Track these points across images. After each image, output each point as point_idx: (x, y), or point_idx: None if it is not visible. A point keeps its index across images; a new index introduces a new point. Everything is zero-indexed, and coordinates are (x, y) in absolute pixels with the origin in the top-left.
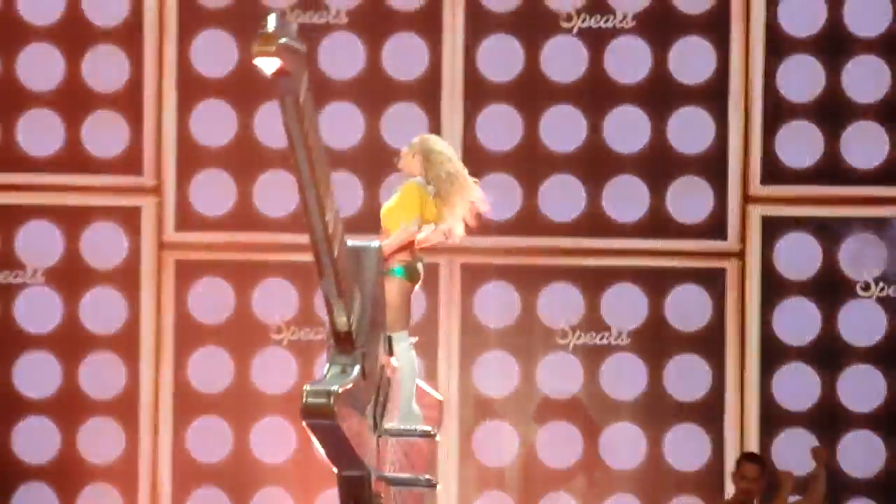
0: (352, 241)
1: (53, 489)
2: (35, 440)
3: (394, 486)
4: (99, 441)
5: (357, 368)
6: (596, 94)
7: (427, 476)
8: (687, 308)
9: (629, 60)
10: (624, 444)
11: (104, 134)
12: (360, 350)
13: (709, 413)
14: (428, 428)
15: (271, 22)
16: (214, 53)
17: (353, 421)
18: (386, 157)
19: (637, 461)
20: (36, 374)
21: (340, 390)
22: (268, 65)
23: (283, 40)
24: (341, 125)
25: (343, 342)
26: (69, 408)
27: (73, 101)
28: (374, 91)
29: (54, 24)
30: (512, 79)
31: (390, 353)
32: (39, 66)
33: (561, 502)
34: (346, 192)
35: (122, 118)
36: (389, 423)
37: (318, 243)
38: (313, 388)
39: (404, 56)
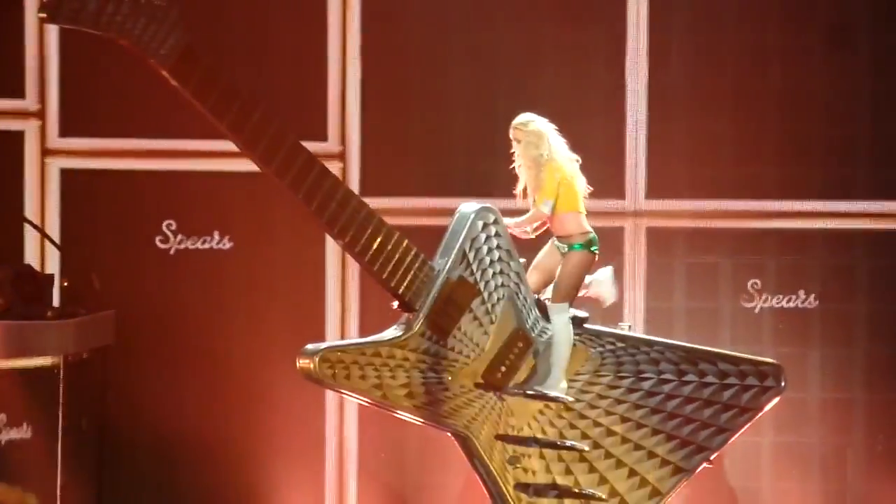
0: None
1: None
2: None
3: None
4: None
5: (410, 330)
6: None
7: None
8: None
9: None
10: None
11: None
12: (422, 313)
13: None
14: (563, 397)
15: None
16: None
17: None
18: None
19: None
20: None
21: (325, 349)
22: None
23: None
24: None
25: (399, 303)
26: None
27: None
28: None
29: None
30: None
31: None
32: None
33: None
34: None
35: None
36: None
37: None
38: (304, 349)
39: None
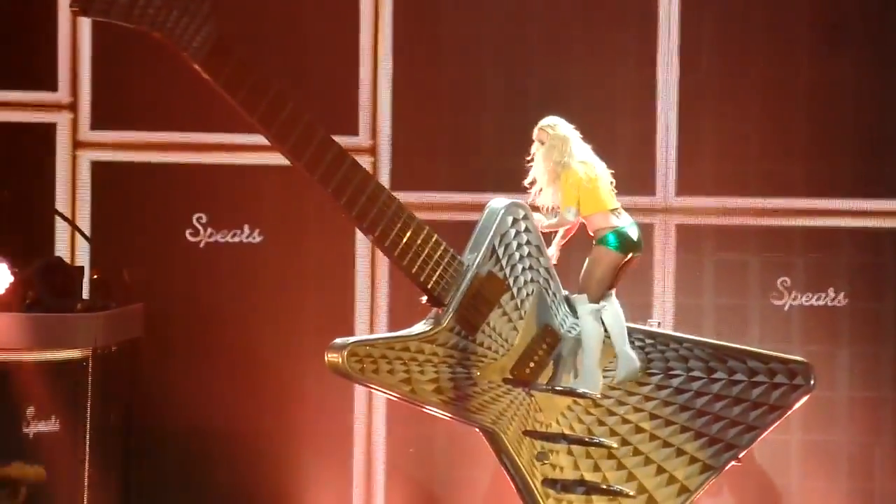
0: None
1: None
2: None
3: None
4: None
5: (439, 325)
6: None
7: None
8: None
9: None
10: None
11: None
12: (451, 308)
13: None
14: (591, 393)
15: None
16: None
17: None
18: None
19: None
20: None
21: (354, 343)
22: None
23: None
24: None
25: (428, 298)
26: None
27: None
28: None
29: None
30: None
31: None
32: None
33: None
34: None
35: None
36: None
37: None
38: (333, 343)
39: None
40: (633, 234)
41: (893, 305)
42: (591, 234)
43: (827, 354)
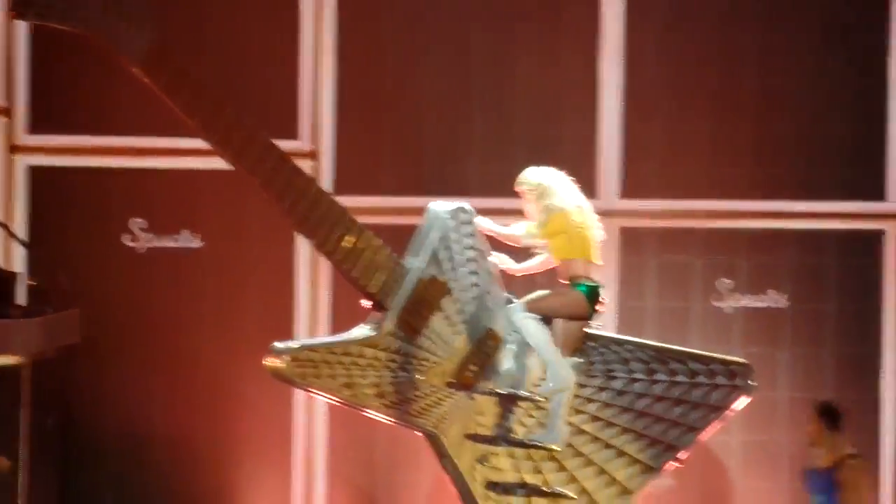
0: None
1: None
2: None
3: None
4: None
5: (381, 329)
6: None
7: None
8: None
9: None
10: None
11: None
12: (393, 311)
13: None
14: (534, 396)
15: None
16: None
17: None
18: None
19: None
20: None
21: (294, 348)
22: None
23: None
24: None
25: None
26: None
27: None
28: None
29: None
30: None
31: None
32: None
33: None
34: None
35: None
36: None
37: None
38: (274, 346)
39: None
40: (600, 295)
41: (835, 307)
42: (565, 281)
43: (768, 356)
